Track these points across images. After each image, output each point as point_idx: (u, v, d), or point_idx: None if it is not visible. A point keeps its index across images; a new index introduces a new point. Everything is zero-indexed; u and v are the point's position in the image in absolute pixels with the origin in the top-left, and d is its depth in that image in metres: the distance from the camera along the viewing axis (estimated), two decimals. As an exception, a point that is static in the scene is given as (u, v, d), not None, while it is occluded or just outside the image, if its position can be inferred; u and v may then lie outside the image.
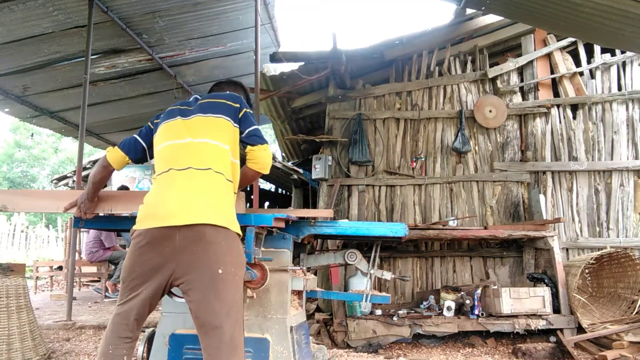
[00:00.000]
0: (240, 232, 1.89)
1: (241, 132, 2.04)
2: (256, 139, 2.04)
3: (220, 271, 1.73)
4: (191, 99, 2.15)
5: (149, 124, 2.16)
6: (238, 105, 2.06)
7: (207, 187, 1.84)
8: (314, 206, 8.14)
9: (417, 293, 5.10)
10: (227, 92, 2.21)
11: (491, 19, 5.44)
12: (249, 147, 2.05)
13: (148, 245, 1.75)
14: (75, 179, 5.68)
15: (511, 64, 5.48)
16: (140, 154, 2.12)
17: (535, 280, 4.51)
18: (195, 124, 1.98)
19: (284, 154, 10.18)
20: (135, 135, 2.14)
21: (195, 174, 1.86)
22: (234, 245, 1.82)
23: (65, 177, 10.75)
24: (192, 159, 1.89)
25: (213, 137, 1.95)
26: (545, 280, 4.41)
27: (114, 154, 2.10)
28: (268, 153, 2.08)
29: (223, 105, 2.04)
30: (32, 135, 17.96)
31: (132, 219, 2.48)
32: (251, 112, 2.11)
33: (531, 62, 5.49)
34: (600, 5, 3.15)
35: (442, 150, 5.44)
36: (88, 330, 4.27)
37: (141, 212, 1.84)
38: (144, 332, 2.52)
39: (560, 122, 5.37)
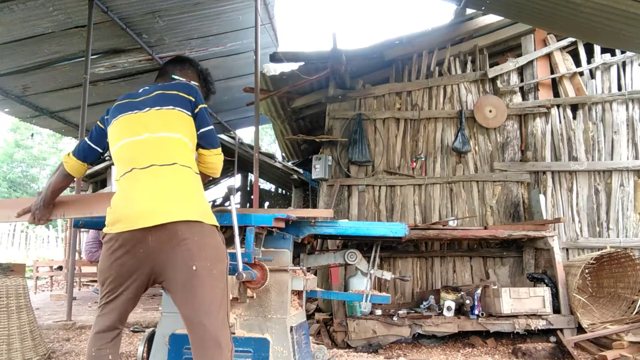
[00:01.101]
0: (216, 223, 1.81)
1: (196, 130, 1.93)
2: (209, 141, 1.94)
3: (194, 268, 1.68)
4: (140, 90, 2.01)
5: (99, 123, 2.05)
6: (193, 99, 1.92)
7: (174, 182, 1.76)
8: (314, 206, 8.15)
9: (417, 293, 5.10)
10: (177, 78, 2.08)
11: (491, 19, 5.43)
12: (200, 149, 1.94)
13: (121, 248, 1.71)
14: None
15: (511, 64, 5.48)
16: (95, 158, 2.07)
17: (535, 280, 4.51)
18: (150, 118, 1.86)
19: (284, 154, 10.18)
20: (86, 140, 2.03)
21: (159, 170, 1.77)
22: (209, 239, 1.74)
23: (65, 177, 10.75)
24: (154, 155, 1.79)
25: (172, 130, 1.84)
26: (545, 280, 4.42)
27: (72, 164, 2.02)
28: (220, 157, 2.00)
29: (176, 97, 1.90)
30: (32, 135, 17.97)
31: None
32: (206, 107, 1.97)
33: (531, 62, 5.49)
34: (600, 5, 3.15)
35: (442, 150, 5.44)
36: (88, 330, 4.27)
37: (109, 216, 1.78)
38: (144, 332, 2.52)
39: (560, 122, 5.37)
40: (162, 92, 1.92)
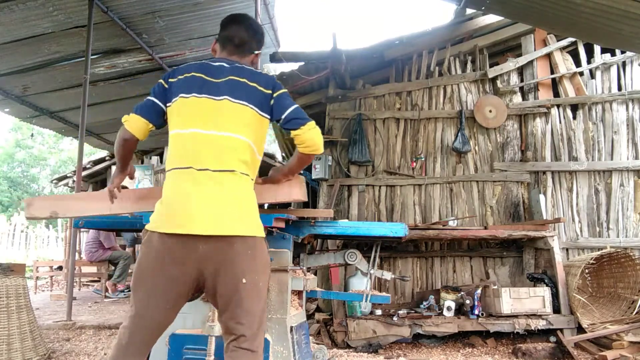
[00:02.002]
0: (264, 234, 1.76)
1: (278, 119, 1.81)
2: (299, 121, 1.79)
3: (244, 281, 1.64)
4: (216, 63, 1.84)
5: (162, 82, 1.83)
6: (270, 92, 1.81)
7: (234, 193, 1.69)
8: (314, 206, 8.14)
9: (417, 293, 5.10)
10: (258, 54, 1.97)
11: (491, 19, 5.43)
12: (293, 132, 1.80)
13: (166, 251, 1.61)
14: (75, 179, 5.68)
15: (511, 64, 5.48)
16: (161, 119, 1.83)
17: (535, 280, 4.51)
18: (221, 111, 1.73)
19: (283, 154, 10.18)
20: (150, 98, 1.82)
21: (220, 177, 1.67)
22: (259, 252, 1.71)
23: (65, 177, 10.77)
24: (216, 157, 1.68)
25: (240, 132, 1.73)
26: (545, 280, 4.42)
27: (135, 123, 1.79)
28: (317, 131, 1.82)
29: (254, 91, 1.79)
30: (32, 135, 17.97)
31: (131, 220, 2.49)
32: (285, 91, 1.86)
33: (531, 62, 5.49)
34: (600, 5, 3.15)
35: (442, 150, 5.44)
36: (88, 330, 4.27)
37: (159, 213, 1.67)
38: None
39: (560, 122, 5.37)
40: (237, 80, 1.79)
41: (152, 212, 1.72)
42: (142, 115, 1.79)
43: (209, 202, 1.64)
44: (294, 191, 2.10)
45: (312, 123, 1.82)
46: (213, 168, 1.68)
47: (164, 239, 1.62)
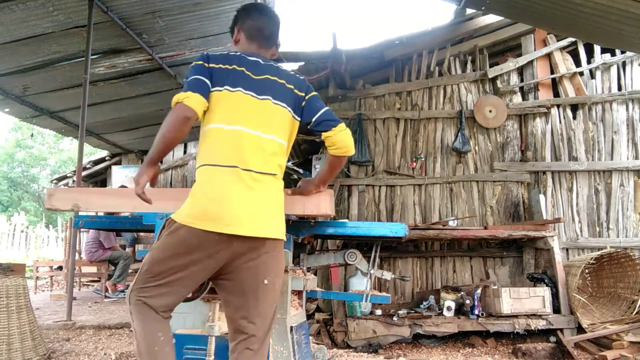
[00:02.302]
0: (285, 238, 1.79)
1: (308, 121, 1.82)
2: (330, 123, 1.80)
3: (265, 282, 1.66)
4: (250, 58, 1.77)
5: (204, 64, 1.70)
6: (303, 94, 1.82)
7: (273, 196, 1.71)
8: (314, 206, 8.11)
9: (417, 293, 5.10)
10: (279, 44, 1.93)
11: (491, 19, 5.44)
12: (324, 134, 1.80)
13: (199, 245, 1.59)
14: (75, 179, 5.68)
15: (511, 64, 5.48)
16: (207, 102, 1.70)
17: (535, 280, 4.51)
18: (266, 112, 1.72)
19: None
20: (201, 78, 1.67)
21: (263, 179, 1.67)
22: (281, 255, 1.74)
23: (65, 177, 10.76)
24: (258, 159, 1.67)
25: (280, 135, 1.75)
26: (545, 280, 4.41)
27: (195, 99, 1.62)
28: (348, 132, 1.83)
29: (290, 93, 1.79)
30: (31, 135, 17.98)
31: (131, 220, 2.49)
32: (316, 93, 1.88)
33: (531, 62, 5.49)
34: (600, 5, 3.15)
35: (442, 150, 5.44)
36: (88, 330, 4.27)
37: (195, 207, 1.61)
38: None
39: (560, 122, 5.37)
40: (276, 80, 1.78)
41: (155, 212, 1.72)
42: (201, 94, 1.65)
43: (251, 203, 1.64)
44: (323, 205, 2.04)
45: (343, 125, 1.84)
46: (257, 170, 1.67)
47: (197, 233, 1.59)
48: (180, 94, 1.63)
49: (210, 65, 1.70)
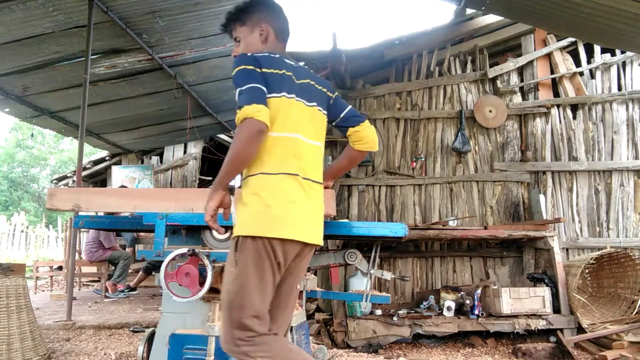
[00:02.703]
0: None
1: (334, 119, 1.87)
2: (357, 118, 1.86)
3: (298, 286, 1.79)
4: (290, 62, 1.74)
5: (256, 69, 1.61)
6: (331, 95, 1.87)
7: (322, 204, 1.78)
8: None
9: (417, 293, 5.10)
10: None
11: (491, 19, 5.44)
12: (352, 129, 1.86)
13: (282, 257, 1.60)
14: (75, 179, 5.67)
15: (511, 64, 5.48)
16: None
17: (535, 280, 4.51)
18: (315, 119, 1.75)
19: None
20: (259, 86, 1.59)
21: (316, 188, 1.72)
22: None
23: (65, 177, 10.76)
24: (313, 167, 1.71)
25: (322, 141, 1.80)
26: (545, 280, 4.41)
27: (265, 113, 1.55)
28: (373, 128, 1.89)
29: (324, 96, 1.83)
30: (32, 135, 17.98)
31: (131, 220, 2.49)
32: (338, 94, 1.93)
33: (531, 62, 5.49)
34: (600, 5, 3.15)
35: (442, 150, 5.44)
36: (88, 330, 4.27)
37: (267, 216, 1.57)
38: (144, 332, 2.51)
39: (560, 122, 5.37)
40: (315, 85, 1.79)
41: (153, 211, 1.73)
42: (265, 105, 1.57)
43: (312, 212, 1.69)
44: (325, 204, 2.09)
45: (368, 121, 1.90)
46: (313, 178, 1.71)
47: (268, 242, 1.58)
48: (247, 108, 1.53)
49: (263, 70, 1.63)
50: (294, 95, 1.67)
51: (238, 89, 1.59)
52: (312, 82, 1.78)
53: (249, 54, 1.66)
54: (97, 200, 2.26)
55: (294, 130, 1.66)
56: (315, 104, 1.76)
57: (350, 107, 1.89)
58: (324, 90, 1.82)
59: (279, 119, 1.63)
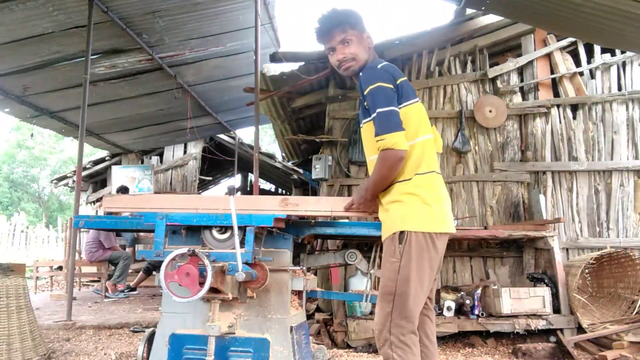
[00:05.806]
0: None
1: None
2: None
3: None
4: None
5: (391, 86, 1.77)
6: None
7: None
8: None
9: (417, 293, 5.09)
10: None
11: (491, 19, 5.43)
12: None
13: (442, 248, 1.82)
14: (75, 179, 5.68)
15: (511, 64, 5.48)
16: None
17: (535, 280, 4.51)
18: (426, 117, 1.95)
19: (284, 154, 10.18)
20: (395, 109, 1.75)
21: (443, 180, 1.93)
22: None
23: (65, 177, 10.77)
24: (437, 160, 1.91)
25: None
26: (545, 280, 4.41)
27: (403, 140, 1.73)
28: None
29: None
30: (31, 135, 17.99)
31: (131, 220, 2.48)
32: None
33: (531, 62, 5.49)
34: (600, 6, 3.15)
35: (442, 150, 5.43)
36: (88, 330, 4.27)
37: (435, 214, 1.79)
38: (144, 332, 2.52)
39: (560, 122, 5.37)
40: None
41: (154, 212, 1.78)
42: (402, 129, 1.75)
43: (450, 203, 1.92)
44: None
45: None
46: (439, 170, 1.91)
47: (442, 238, 1.81)
48: (388, 138, 1.71)
49: (397, 82, 1.80)
50: (416, 99, 1.86)
51: (377, 110, 1.74)
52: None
53: (379, 67, 1.82)
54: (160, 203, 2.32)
55: (427, 130, 1.87)
56: (418, 99, 1.91)
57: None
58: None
59: (418, 123, 1.83)
